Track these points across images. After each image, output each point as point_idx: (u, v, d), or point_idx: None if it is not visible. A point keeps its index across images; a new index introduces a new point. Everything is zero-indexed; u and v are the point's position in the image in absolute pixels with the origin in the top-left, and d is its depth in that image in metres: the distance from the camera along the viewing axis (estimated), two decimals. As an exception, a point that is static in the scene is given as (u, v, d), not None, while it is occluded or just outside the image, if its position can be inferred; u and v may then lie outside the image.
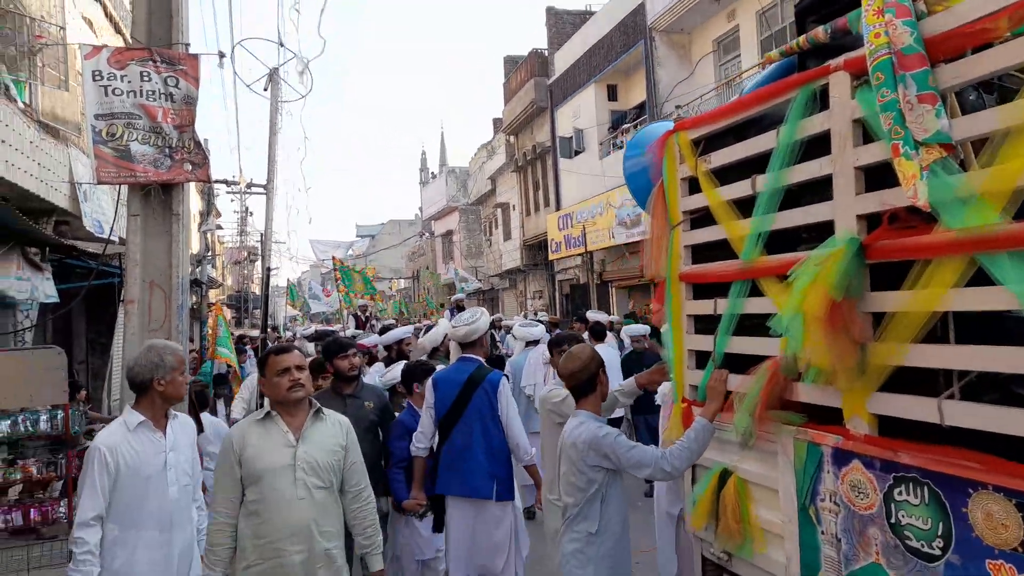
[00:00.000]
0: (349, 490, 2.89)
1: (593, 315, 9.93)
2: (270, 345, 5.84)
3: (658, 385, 3.62)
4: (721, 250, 2.69)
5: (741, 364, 2.60)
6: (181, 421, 3.15)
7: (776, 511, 2.46)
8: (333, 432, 2.87)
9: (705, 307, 2.80)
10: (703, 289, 2.85)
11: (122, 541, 2.82)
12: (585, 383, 2.92)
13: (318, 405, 2.89)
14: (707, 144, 2.82)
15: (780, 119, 2.38)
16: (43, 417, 5.07)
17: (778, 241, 2.46)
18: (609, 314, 16.74)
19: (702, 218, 2.82)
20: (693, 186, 2.89)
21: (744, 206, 2.59)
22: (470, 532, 3.94)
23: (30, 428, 5.03)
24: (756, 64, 12.87)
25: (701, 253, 2.88)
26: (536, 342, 7.13)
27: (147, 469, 2.88)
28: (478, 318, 4.12)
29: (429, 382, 4.10)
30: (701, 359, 2.89)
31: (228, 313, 35.56)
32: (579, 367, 2.90)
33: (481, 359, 4.11)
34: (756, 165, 2.52)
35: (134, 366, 2.96)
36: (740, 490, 2.61)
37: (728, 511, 2.61)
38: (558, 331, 3.94)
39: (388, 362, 6.26)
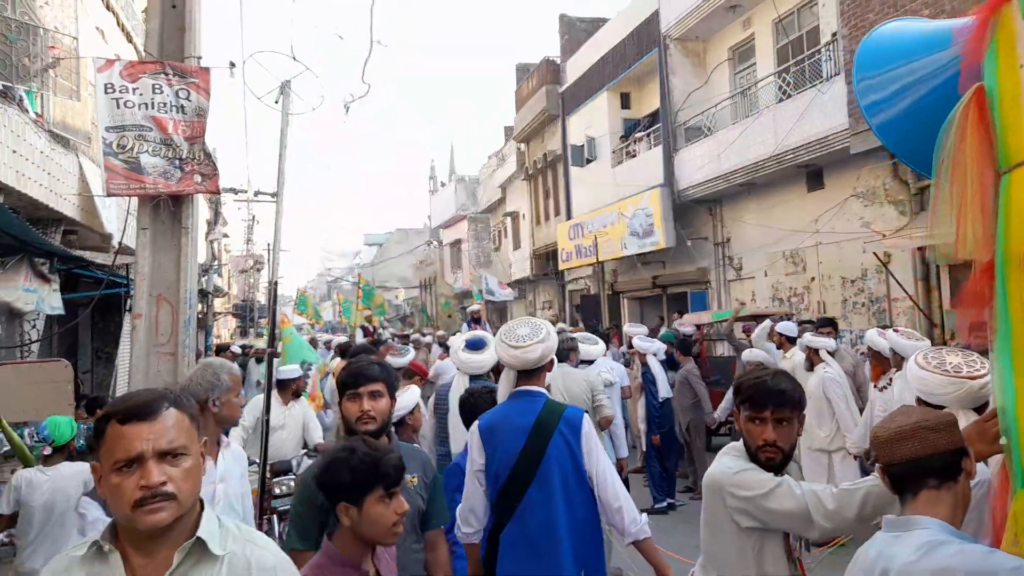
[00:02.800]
0: None
1: (631, 328, 9.02)
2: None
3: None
4: None
5: None
6: (235, 452, 2.89)
7: None
8: None
9: None
10: None
11: None
12: (940, 471, 1.55)
13: (205, 529, 1.48)
14: None
15: None
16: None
17: None
18: (619, 325, 16.63)
19: None
20: None
21: None
22: None
23: (36, 441, 4.93)
24: (772, 72, 12.75)
25: None
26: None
27: None
28: (549, 332, 2.92)
29: (474, 432, 2.87)
30: None
31: (233, 324, 35.59)
32: (929, 450, 1.55)
33: (547, 392, 2.95)
34: None
35: (188, 385, 2.71)
36: None
37: None
38: (756, 372, 2.29)
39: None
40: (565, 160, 20.33)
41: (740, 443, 2.28)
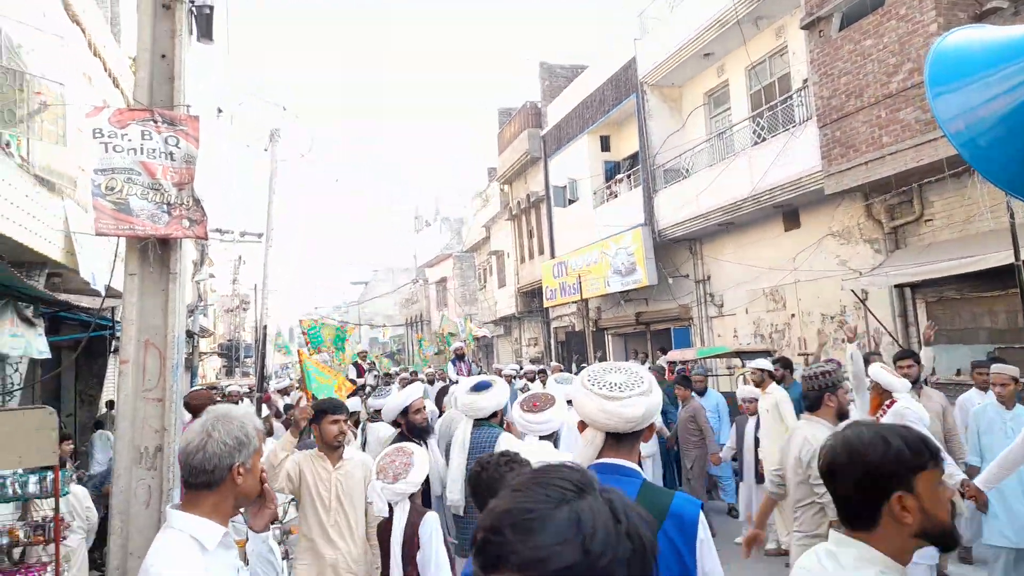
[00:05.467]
0: None
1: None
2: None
3: None
4: None
5: None
6: (237, 527, 2.25)
7: None
8: None
9: None
10: None
11: None
12: None
13: None
14: None
15: None
16: (32, 479, 4.93)
17: None
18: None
19: None
20: None
21: None
22: None
23: (19, 491, 4.88)
24: (747, 117, 13.12)
25: None
26: None
27: None
28: (651, 383, 2.09)
29: None
30: None
31: (218, 364, 35.15)
32: None
33: (639, 469, 2.08)
34: None
35: (205, 445, 1.89)
36: None
37: None
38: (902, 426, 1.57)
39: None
40: (548, 201, 20.62)
41: (867, 551, 1.49)
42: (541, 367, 12.60)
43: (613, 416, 2.02)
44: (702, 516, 2.00)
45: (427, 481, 3.91)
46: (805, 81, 11.32)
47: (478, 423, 4.12)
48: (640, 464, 2.10)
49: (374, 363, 16.46)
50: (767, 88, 13.12)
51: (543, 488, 0.86)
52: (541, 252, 21.93)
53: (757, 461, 6.91)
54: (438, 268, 35.68)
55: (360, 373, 15.05)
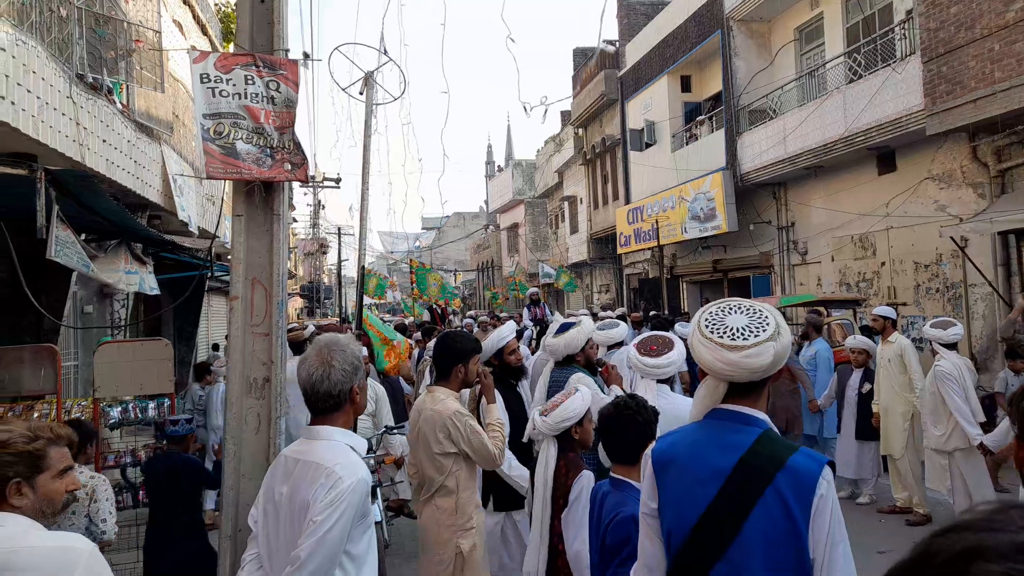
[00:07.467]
0: None
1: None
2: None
3: None
4: None
5: None
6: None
7: None
8: None
9: None
10: None
11: None
12: None
13: None
14: None
15: None
16: (151, 405, 5.34)
17: None
18: (680, 311, 16.52)
19: None
20: None
21: None
22: None
23: (140, 415, 5.31)
24: (842, 53, 12.40)
25: None
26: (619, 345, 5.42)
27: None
28: (779, 324, 1.86)
29: (647, 461, 1.98)
30: None
31: (300, 304, 36.59)
32: None
33: (763, 417, 1.88)
34: None
35: (329, 375, 2.18)
36: None
37: None
38: None
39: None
40: (624, 144, 20.19)
41: None
42: (621, 312, 12.56)
43: (735, 367, 1.80)
44: (828, 473, 1.73)
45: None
46: (909, 12, 10.57)
47: (558, 363, 4.18)
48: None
49: (444, 310, 16.88)
50: (866, 21, 12.31)
51: None
52: (616, 198, 21.61)
53: (863, 417, 6.71)
54: (509, 214, 35.71)
55: (435, 318, 15.41)
